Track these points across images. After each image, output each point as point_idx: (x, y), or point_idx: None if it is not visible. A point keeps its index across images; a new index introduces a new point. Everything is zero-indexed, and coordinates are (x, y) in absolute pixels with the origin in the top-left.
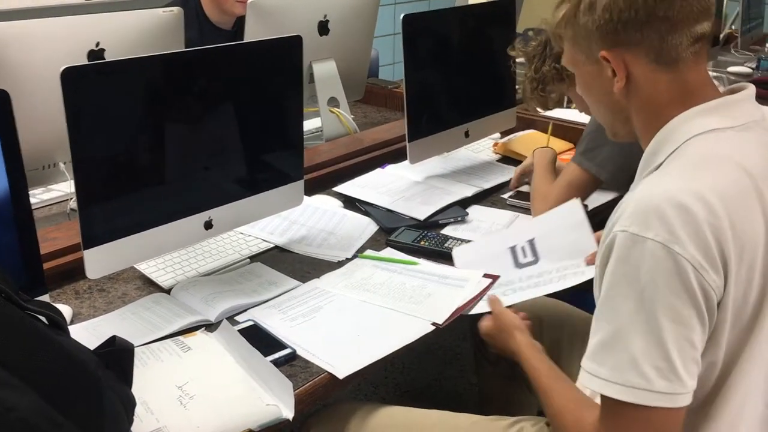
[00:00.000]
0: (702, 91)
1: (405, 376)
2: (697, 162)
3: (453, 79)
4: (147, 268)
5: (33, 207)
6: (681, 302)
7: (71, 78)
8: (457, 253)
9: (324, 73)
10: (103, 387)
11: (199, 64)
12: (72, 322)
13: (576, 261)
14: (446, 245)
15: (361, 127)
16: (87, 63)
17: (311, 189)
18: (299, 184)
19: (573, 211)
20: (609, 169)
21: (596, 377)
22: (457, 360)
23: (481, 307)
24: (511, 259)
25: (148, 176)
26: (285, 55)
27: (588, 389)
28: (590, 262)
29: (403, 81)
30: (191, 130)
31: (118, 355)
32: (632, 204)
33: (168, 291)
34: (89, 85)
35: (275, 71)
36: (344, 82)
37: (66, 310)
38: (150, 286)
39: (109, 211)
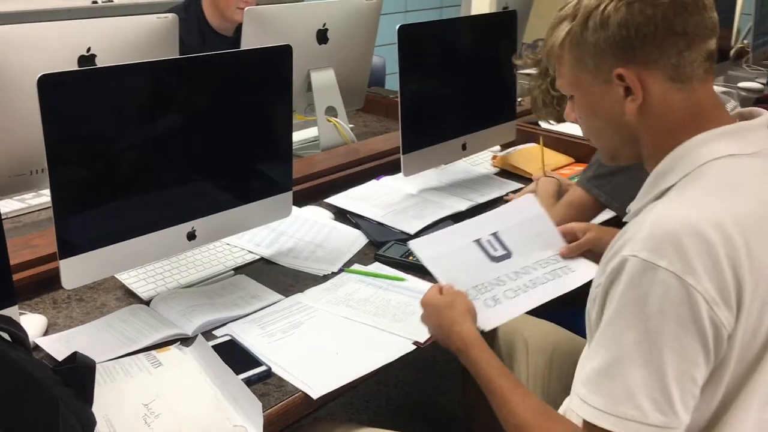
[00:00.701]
0: (714, 112)
1: (399, 389)
2: (715, 187)
3: (451, 91)
4: (128, 278)
5: (20, 212)
6: (688, 337)
7: (48, 85)
8: (417, 246)
9: (322, 82)
10: (59, 406)
11: (183, 73)
12: (47, 333)
13: (550, 253)
14: None
15: (360, 136)
16: (64, 70)
17: (304, 199)
18: (287, 196)
19: (530, 205)
20: (621, 199)
21: (589, 405)
22: (453, 374)
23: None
24: (481, 253)
25: (128, 186)
26: (274, 65)
27: (576, 415)
28: (564, 254)
29: (398, 92)
30: (174, 139)
31: (78, 372)
32: (646, 228)
33: (148, 302)
34: (67, 92)
35: (264, 81)
36: (344, 91)
37: (40, 321)
38: (130, 296)
39: (87, 220)
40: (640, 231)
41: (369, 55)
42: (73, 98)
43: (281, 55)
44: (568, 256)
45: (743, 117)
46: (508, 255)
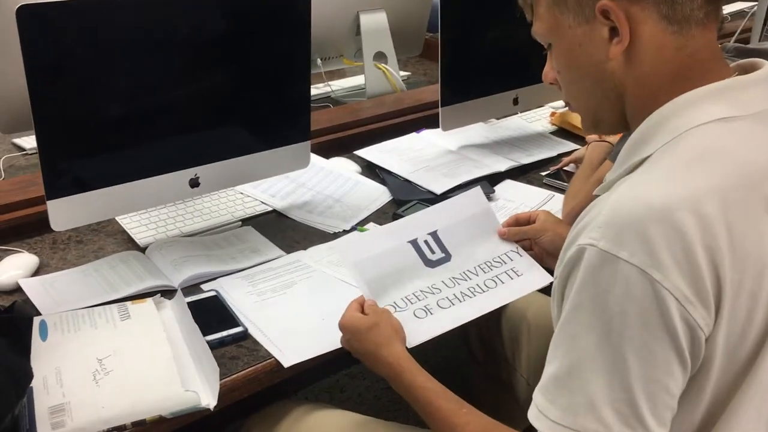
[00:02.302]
0: (713, 65)
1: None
2: (692, 159)
3: (501, 37)
4: (129, 222)
5: (29, 152)
6: (657, 341)
7: (27, 17)
8: (341, 247)
9: (372, 25)
10: None
11: (185, 9)
12: (37, 273)
13: (495, 255)
14: None
15: (416, 85)
16: (46, 1)
17: (338, 149)
18: (304, 146)
19: (477, 199)
20: None
21: (545, 416)
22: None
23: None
24: (416, 256)
25: (119, 128)
26: (289, 3)
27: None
28: (502, 234)
29: (438, 39)
30: (175, 81)
31: (14, 323)
32: (606, 212)
33: (144, 249)
34: (49, 25)
35: (277, 19)
36: (399, 35)
37: (30, 261)
38: (129, 242)
39: (76, 161)
40: (600, 215)
41: None
42: (57, 32)
43: None
44: (503, 237)
45: (742, 70)
46: (446, 258)
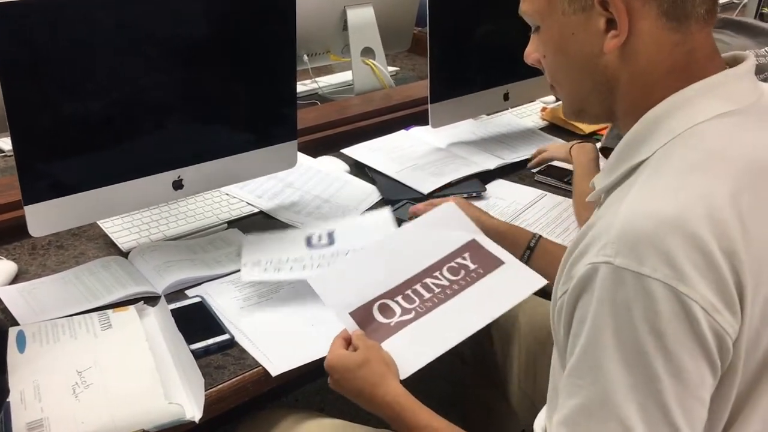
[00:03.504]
0: (708, 64)
1: None
2: (701, 161)
3: (492, 33)
4: (111, 227)
5: (8, 154)
6: (688, 354)
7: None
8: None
9: (359, 20)
10: None
11: (165, 5)
12: (15, 280)
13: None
14: None
15: (405, 80)
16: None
17: (327, 147)
18: (291, 145)
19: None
20: None
21: None
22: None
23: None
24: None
25: (99, 130)
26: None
27: None
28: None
29: (426, 34)
30: (156, 80)
31: None
32: (618, 225)
33: (126, 254)
34: (23, 24)
35: (262, 15)
36: (387, 30)
37: (10, 267)
38: (111, 246)
39: (54, 165)
40: (611, 229)
41: None
42: (31, 31)
43: None
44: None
45: (726, 64)
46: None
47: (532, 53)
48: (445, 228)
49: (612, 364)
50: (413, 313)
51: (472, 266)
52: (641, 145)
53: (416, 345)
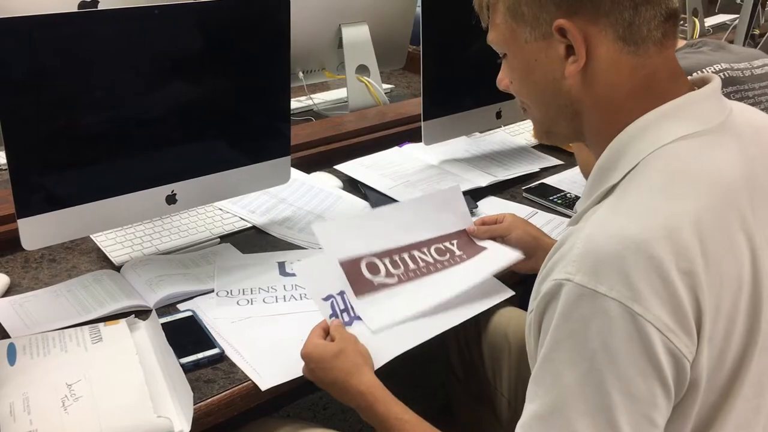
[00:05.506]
0: (670, 85)
1: None
2: (664, 184)
3: (485, 51)
4: (104, 240)
5: (2, 167)
6: (641, 375)
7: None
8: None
9: (354, 37)
10: None
11: (160, 22)
12: (8, 293)
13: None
14: None
15: (400, 98)
16: (11, 17)
17: (321, 163)
18: (284, 161)
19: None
20: None
21: None
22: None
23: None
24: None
25: (94, 144)
26: (268, 14)
27: None
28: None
29: (420, 52)
30: (150, 96)
31: None
32: (580, 244)
33: (119, 268)
34: (19, 40)
35: (256, 33)
36: (382, 48)
37: (2, 280)
38: (103, 260)
39: (48, 178)
40: (574, 248)
41: (411, 7)
42: (27, 46)
43: (276, 3)
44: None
45: (694, 86)
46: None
47: (503, 79)
48: (445, 211)
49: (566, 377)
50: (396, 278)
51: (457, 252)
52: (611, 171)
53: (390, 310)
